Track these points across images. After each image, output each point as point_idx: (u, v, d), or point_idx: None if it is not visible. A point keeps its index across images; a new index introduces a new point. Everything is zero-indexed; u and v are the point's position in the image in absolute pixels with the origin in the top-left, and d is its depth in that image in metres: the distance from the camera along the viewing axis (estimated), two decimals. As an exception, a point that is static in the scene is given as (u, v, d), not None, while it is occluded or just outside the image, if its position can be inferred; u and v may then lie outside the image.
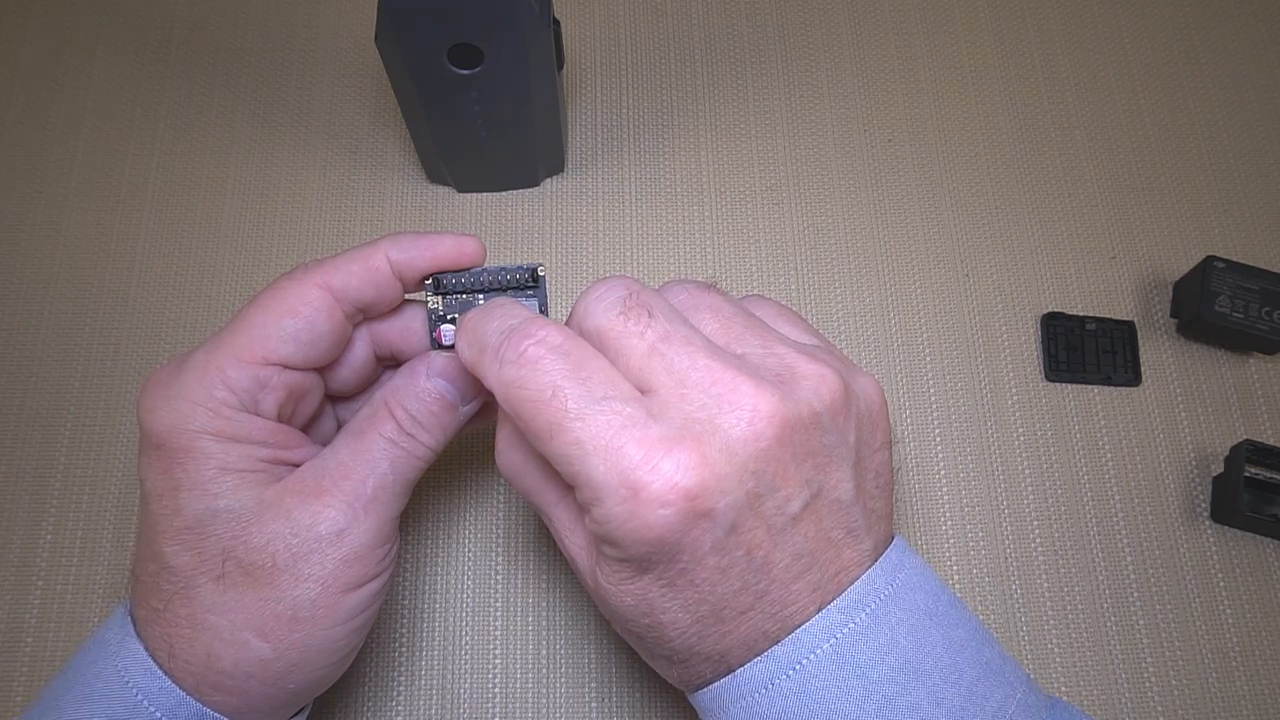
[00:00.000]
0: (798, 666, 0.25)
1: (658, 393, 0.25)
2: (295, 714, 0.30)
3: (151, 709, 0.26)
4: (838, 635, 0.25)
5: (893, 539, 0.28)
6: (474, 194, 0.45)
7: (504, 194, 0.45)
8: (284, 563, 0.27)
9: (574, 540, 0.27)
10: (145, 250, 0.43)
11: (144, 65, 0.47)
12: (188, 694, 0.26)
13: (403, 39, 0.35)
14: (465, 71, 0.36)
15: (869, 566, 0.26)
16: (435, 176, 0.44)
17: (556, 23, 0.38)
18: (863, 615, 0.25)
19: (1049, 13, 0.49)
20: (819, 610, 0.25)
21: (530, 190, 0.45)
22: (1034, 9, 0.49)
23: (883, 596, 0.26)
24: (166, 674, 0.26)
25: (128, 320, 0.42)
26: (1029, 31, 0.49)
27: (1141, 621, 0.38)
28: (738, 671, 0.26)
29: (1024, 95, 0.48)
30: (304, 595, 0.27)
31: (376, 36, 0.35)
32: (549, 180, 0.45)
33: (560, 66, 0.40)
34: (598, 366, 0.25)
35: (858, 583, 0.26)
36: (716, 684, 0.26)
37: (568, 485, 0.26)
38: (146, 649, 0.27)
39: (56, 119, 0.45)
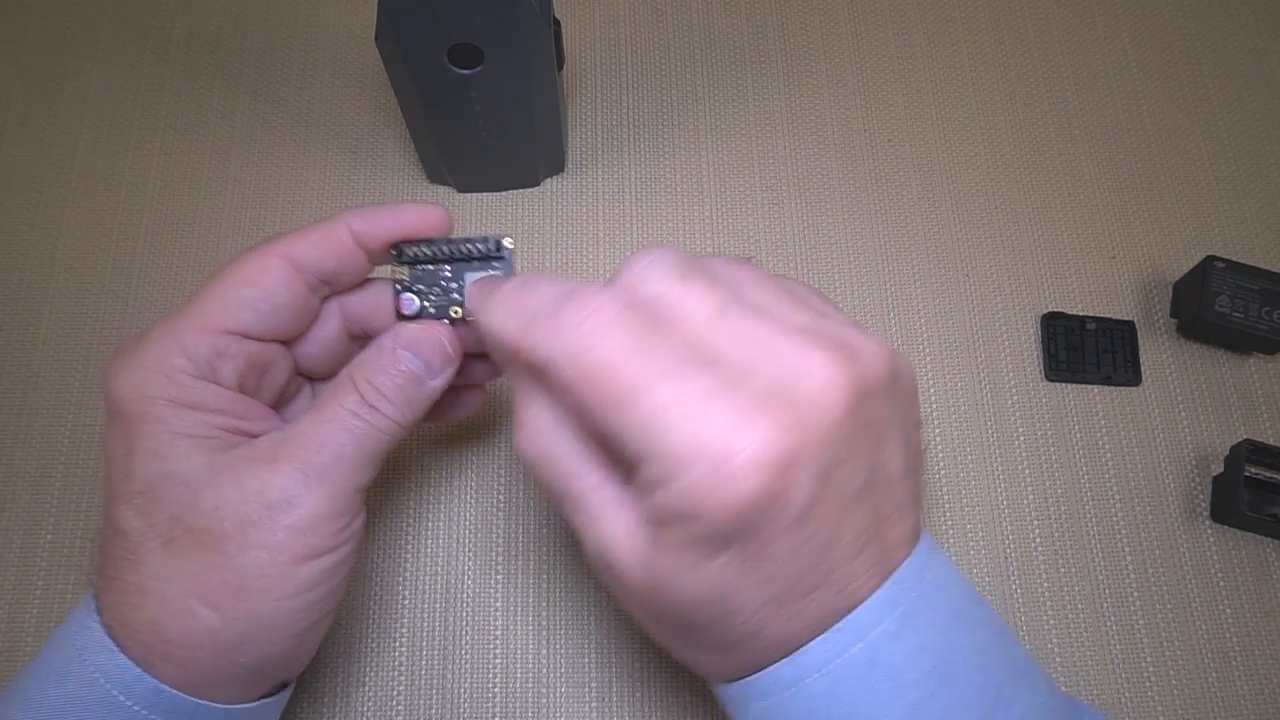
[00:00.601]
0: (828, 667, 0.24)
1: (727, 360, 0.23)
2: (272, 695, 0.30)
3: (107, 685, 0.26)
4: (868, 637, 0.24)
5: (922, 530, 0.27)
6: (474, 194, 0.45)
7: (504, 194, 0.45)
8: (232, 528, 0.26)
9: (614, 529, 0.25)
10: (145, 250, 0.43)
11: (144, 65, 0.47)
12: (136, 664, 0.26)
13: (403, 39, 0.35)
14: (465, 71, 0.36)
15: (910, 548, 0.26)
16: (435, 176, 0.44)
17: (556, 23, 0.38)
18: (894, 617, 0.25)
19: (1049, 13, 0.49)
20: (877, 588, 0.25)
21: (530, 190, 0.45)
22: (1034, 9, 0.49)
23: (913, 596, 0.25)
24: (117, 645, 0.26)
25: (128, 320, 0.42)
26: (1029, 31, 0.49)
27: (1141, 621, 0.38)
28: (767, 670, 0.25)
29: (1024, 95, 0.48)
30: (251, 563, 0.26)
31: (376, 36, 0.35)
32: (549, 180, 0.45)
33: (560, 66, 0.40)
34: (665, 333, 0.24)
35: (887, 584, 0.25)
36: (744, 681, 0.26)
37: (610, 468, 0.25)
38: (102, 622, 0.26)
39: (56, 119, 0.45)
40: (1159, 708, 0.37)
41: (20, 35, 0.47)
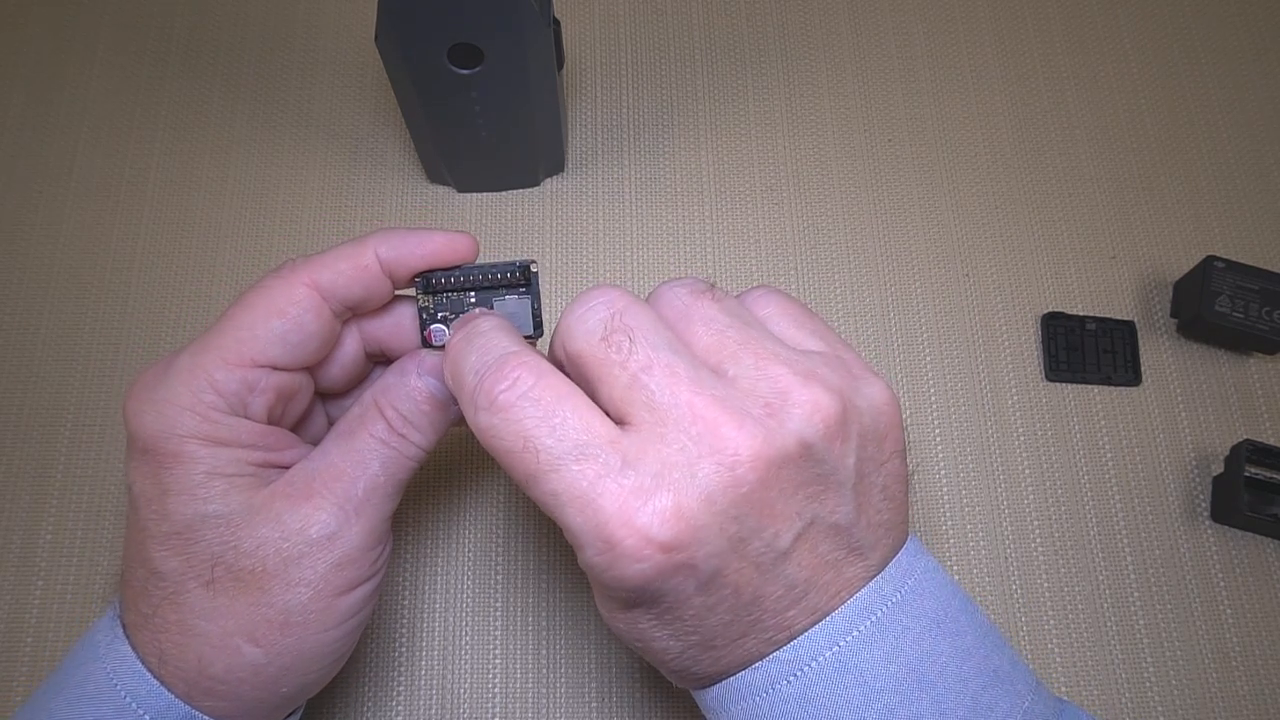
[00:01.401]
0: (799, 673, 0.25)
1: (637, 429, 0.24)
2: (289, 716, 0.30)
3: (140, 711, 0.26)
4: (841, 643, 0.25)
5: (905, 540, 0.27)
6: (474, 194, 0.45)
7: (504, 194, 0.45)
8: (274, 567, 0.26)
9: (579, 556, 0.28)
10: (145, 250, 0.43)
11: (144, 65, 0.47)
12: (179, 699, 0.26)
13: (403, 39, 0.35)
14: (465, 71, 0.36)
15: (867, 580, 0.26)
16: (435, 176, 0.44)
17: (556, 22, 0.38)
18: (867, 624, 0.25)
19: (1049, 13, 0.49)
20: (817, 624, 0.25)
21: (530, 190, 0.45)
22: (1034, 9, 0.49)
23: (890, 604, 0.25)
24: (158, 679, 0.26)
25: (128, 320, 0.42)
26: (1029, 31, 0.49)
27: (1141, 621, 0.38)
28: (739, 674, 0.25)
29: (1024, 95, 0.48)
30: (295, 600, 0.26)
31: (376, 36, 0.35)
32: (549, 180, 0.45)
33: (560, 66, 0.40)
34: (572, 408, 0.24)
35: (864, 590, 0.25)
36: (718, 685, 0.26)
37: None
38: (136, 653, 0.26)
39: (56, 119, 0.45)
40: (1159, 708, 0.37)
41: (20, 35, 0.47)
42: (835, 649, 0.24)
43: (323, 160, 0.45)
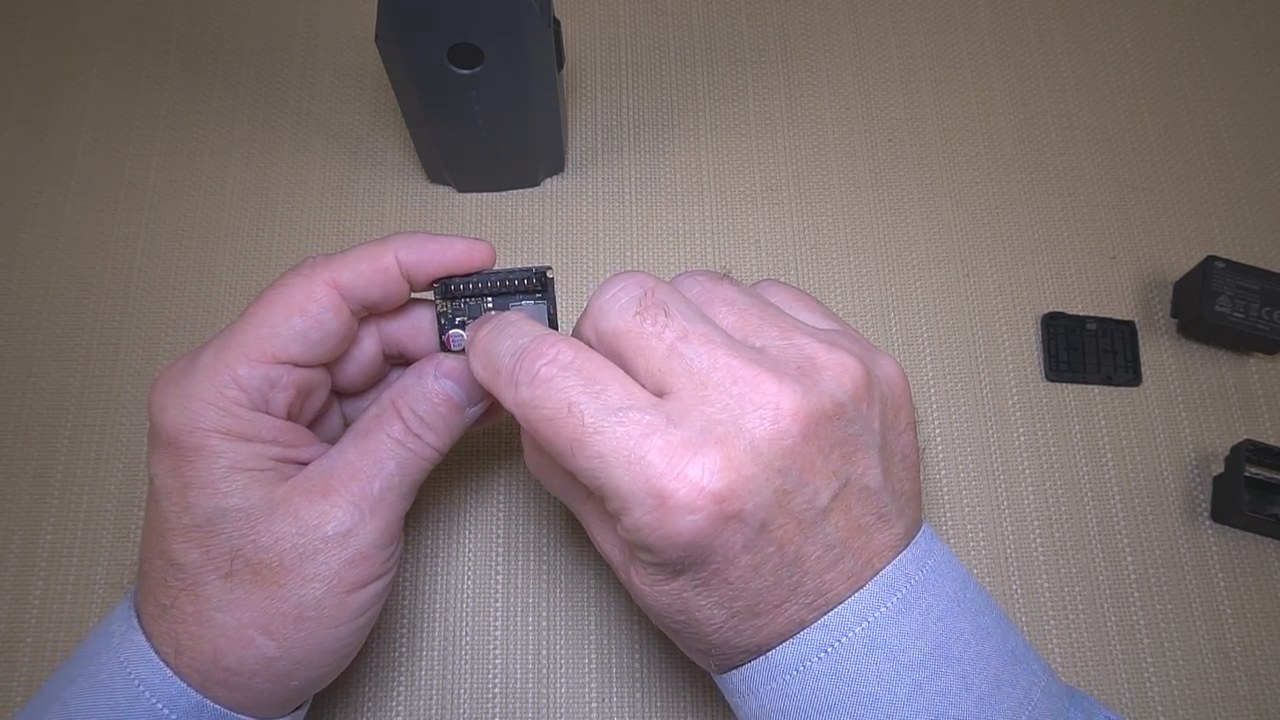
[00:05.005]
0: (830, 649, 0.25)
1: (678, 395, 0.25)
2: (295, 709, 0.30)
3: (153, 700, 0.26)
4: (870, 619, 0.25)
5: (922, 524, 0.28)
6: (474, 194, 0.45)
7: (504, 194, 0.45)
8: (291, 562, 0.27)
9: (606, 540, 0.28)
10: (145, 250, 0.43)
11: (143, 65, 0.47)
12: (192, 688, 0.26)
13: (403, 39, 0.35)
14: (465, 71, 0.36)
15: (901, 550, 0.26)
16: (435, 176, 0.44)
17: (556, 22, 0.38)
18: (894, 600, 0.25)
19: (1049, 13, 0.49)
20: (854, 594, 0.25)
21: (530, 190, 0.45)
22: (1034, 9, 0.49)
23: (913, 582, 0.26)
24: (173, 670, 0.26)
25: (128, 320, 0.42)
26: (1029, 31, 0.49)
27: (1141, 621, 0.38)
28: (769, 653, 0.26)
29: (1024, 95, 0.47)
30: (310, 595, 0.27)
31: (376, 36, 0.35)
32: (549, 180, 0.45)
33: (560, 66, 0.40)
34: (612, 376, 0.25)
35: (889, 567, 0.26)
36: (747, 666, 0.26)
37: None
38: (151, 643, 0.27)
39: (56, 119, 0.45)
40: (1159, 708, 0.37)
41: (20, 35, 0.47)
42: (864, 624, 0.25)
43: (323, 160, 0.45)
